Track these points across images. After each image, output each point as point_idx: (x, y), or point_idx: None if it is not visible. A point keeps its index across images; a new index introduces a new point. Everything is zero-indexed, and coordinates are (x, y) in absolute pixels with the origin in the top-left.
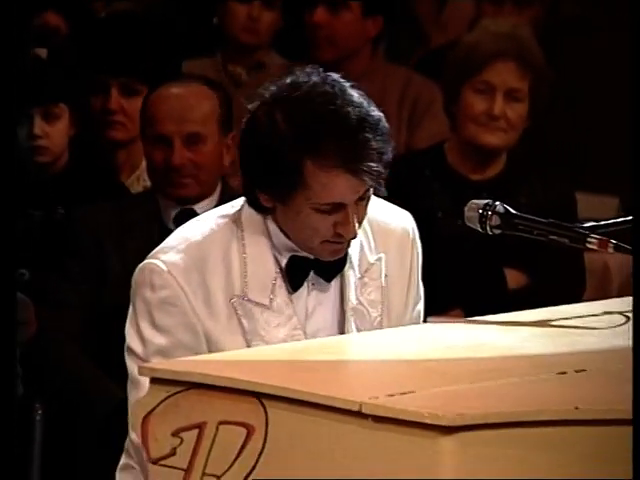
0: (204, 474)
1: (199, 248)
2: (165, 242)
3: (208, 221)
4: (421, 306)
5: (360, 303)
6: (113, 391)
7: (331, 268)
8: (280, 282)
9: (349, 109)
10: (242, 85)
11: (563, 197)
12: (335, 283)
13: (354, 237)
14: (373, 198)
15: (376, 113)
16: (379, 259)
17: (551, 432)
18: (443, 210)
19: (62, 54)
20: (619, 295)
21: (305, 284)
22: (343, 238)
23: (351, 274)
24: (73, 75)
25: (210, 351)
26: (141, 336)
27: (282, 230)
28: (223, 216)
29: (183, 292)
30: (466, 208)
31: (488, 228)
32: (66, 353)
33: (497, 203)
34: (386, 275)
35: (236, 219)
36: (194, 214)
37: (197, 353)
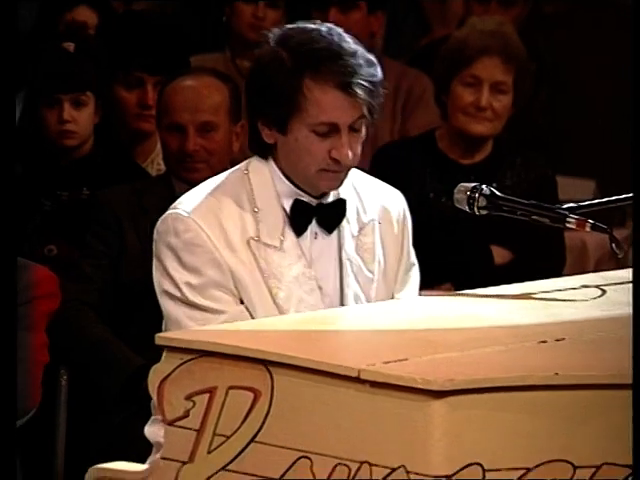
0: (214, 434)
1: (214, 197)
2: (182, 197)
3: (220, 176)
4: (415, 272)
5: (356, 257)
6: (130, 356)
7: (331, 218)
8: (287, 227)
9: (344, 44)
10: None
11: (544, 180)
12: (334, 237)
13: (349, 164)
14: (368, 177)
15: (368, 52)
16: (372, 221)
17: (533, 396)
18: (434, 192)
19: (89, 47)
20: (595, 270)
21: (308, 234)
22: (338, 165)
23: (347, 229)
24: (99, 67)
25: (236, 289)
26: (172, 279)
27: (284, 174)
28: (233, 171)
29: (205, 233)
30: (455, 190)
31: (475, 209)
32: (89, 323)
33: (484, 186)
34: (382, 240)
35: (244, 172)
36: None
37: (227, 289)
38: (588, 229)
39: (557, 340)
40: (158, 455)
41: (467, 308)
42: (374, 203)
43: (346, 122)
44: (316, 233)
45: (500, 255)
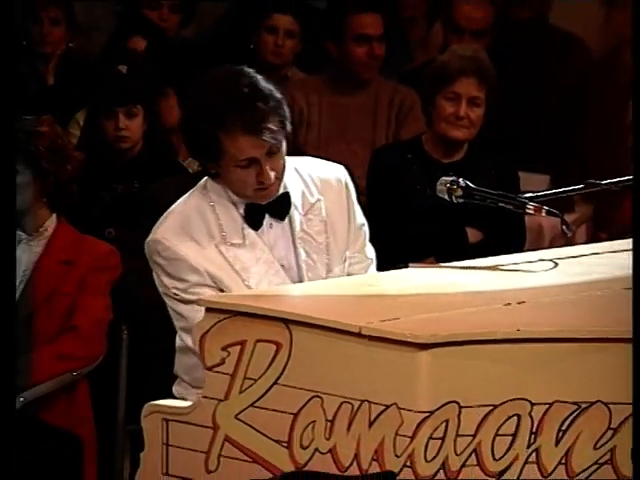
0: (245, 378)
1: (182, 216)
2: (159, 222)
3: (186, 197)
4: (365, 229)
5: (306, 233)
6: None
7: (280, 210)
8: (246, 226)
9: (256, 90)
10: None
11: (508, 175)
12: (287, 222)
13: (274, 182)
14: (310, 160)
15: (267, 87)
16: (319, 200)
17: (500, 347)
18: (420, 185)
19: (139, 69)
20: (549, 247)
21: (265, 226)
22: (265, 184)
23: (296, 214)
24: (147, 84)
25: (219, 289)
26: (165, 285)
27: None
28: (195, 190)
29: (179, 248)
30: (438, 183)
31: (454, 198)
32: (142, 288)
33: (460, 180)
34: (326, 212)
35: (204, 188)
36: None
37: (206, 286)
38: (543, 214)
39: (519, 303)
40: (198, 395)
41: (447, 278)
42: (317, 182)
43: (262, 154)
44: (271, 223)
45: (473, 235)
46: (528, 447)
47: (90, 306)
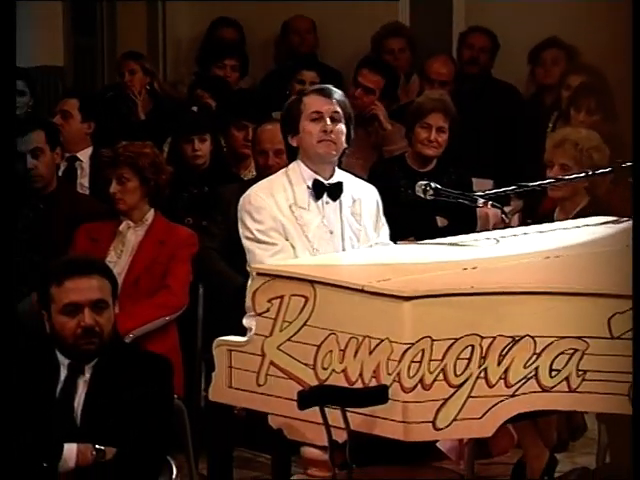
0: (283, 321)
1: (269, 182)
2: (253, 185)
3: (275, 174)
4: (386, 227)
5: (349, 215)
6: (236, 277)
7: (335, 191)
8: (311, 196)
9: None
10: None
11: (465, 180)
12: (337, 204)
13: (334, 139)
14: (358, 179)
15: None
16: (360, 199)
17: (460, 299)
18: (404, 187)
19: (208, 110)
20: (493, 229)
21: (323, 200)
22: (326, 133)
23: (345, 200)
24: (213, 120)
25: (285, 237)
26: (248, 227)
27: (305, 165)
28: (280, 171)
29: (265, 202)
30: (416, 185)
31: (427, 196)
32: (213, 259)
33: (431, 183)
34: (362, 210)
35: (285, 170)
36: None
37: (278, 232)
38: (489, 206)
39: (473, 268)
40: (252, 332)
41: (423, 251)
42: (361, 189)
43: (327, 111)
44: (327, 201)
45: (441, 221)
46: (479, 367)
47: (177, 271)
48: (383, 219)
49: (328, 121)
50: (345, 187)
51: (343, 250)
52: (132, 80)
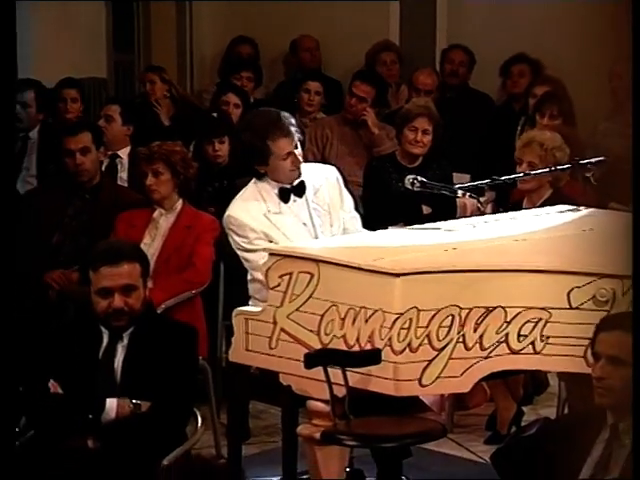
0: (292, 294)
1: (242, 199)
2: (230, 205)
3: (244, 189)
4: (349, 202)
5: (316, 204)
6: None
7: (299, 191)
8: (280, 201)
9: (277, 112)
10: (307, 127)
11: (446, 174)
12: (304, 199)
13: (299, 166)
14: (318, 164)
15: (287, 114)
16: (321, 186)
17: (442, 275)
18: (395, 180)
19: (226, 115)
20: (470, 216)
21: (291, 200)
22: (295, 164)
23: (309, 194)
24: (231, 125)
25: (268, 240)
26: (237, 242)
27: (273, 180)
28: (249, 185)
29: (243, 219)
30: (405, 179)
31: (414, 188)
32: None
33: (418, 177)
34: (326, 193)
35: (255, 183)
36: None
37: (262, 240)
38: (467, 197)
39: (453, 249)
40: (265, 304)
41: (411, 235)
42: (320, 176)
43: (294, 148)
44: (295, 199)
45: (426, 209)
46: (458, 333)
47: (202, 252)
48: (345, 191)
49: (296, 153)
50: (307, 182)
51: (316, 237)
52: (153, 89)
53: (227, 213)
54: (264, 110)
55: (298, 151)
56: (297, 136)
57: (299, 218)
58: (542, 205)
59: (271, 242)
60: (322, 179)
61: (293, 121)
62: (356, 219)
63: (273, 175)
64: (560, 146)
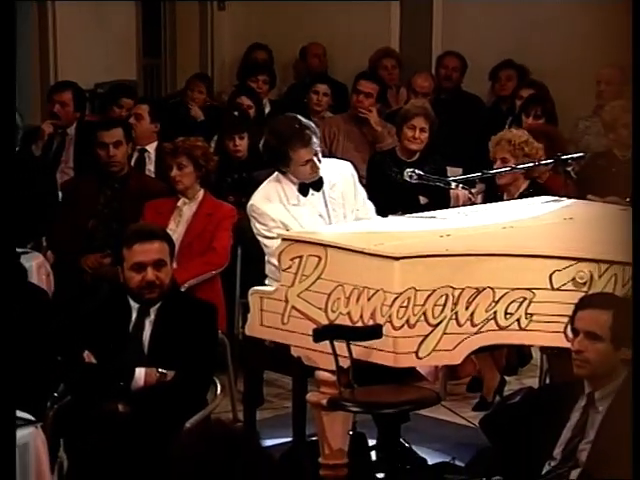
0: (302, 275)
1: (264, 190)
2: (254, 194)
3: (267, 180)
4: (362, 196)
5: (331, 198)
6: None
7: (317, 186)
8: (299, 194)
9: (299, 122)
10: (318, 125)
11: (440, 167)
12: (321, 192)
13: (318, 170)
14: (334, 159)
15: (308, 122)
16: (337, 182)
17: (437, 259)
18: (395, 174)
19: (245, 114)
20: (462, 206)
21: (309, 194)
22: (313, 170)
23: (326, 188)
24: (250, 122)
25: (285, 229)
26: (257, 228)
27: (294, 176)
28: (272, 177)
29: (264, 208)
30: (404, 172)
31: (412, 180)
32: (249, 228)
33: (416, 170)
34: (341, 187)
35: (277, 176)
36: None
37: (279, 227)
38: (460, 189)
39: (447, 235)
40: (278, 284)
41: (409, 222)
42: (336, 172)
43: (312, 156)
44: (313, 193)
45: (422, 200)
46: (451, 311)
47: (221, 237)
48: (358, 185)
49: (314, 160)
50: (324, 177)
51: None
52: (199, 98)
53: (250, 202)
54: (289, 118)
55: (317, 157)
56: (317, 143)
57: (316, 210)
58: (520, 196)
59: (287, 231)
60: (338, 175)
61: (315, 129)
62: (369, 209)
63: (294, 175)
64: (527, 140)
